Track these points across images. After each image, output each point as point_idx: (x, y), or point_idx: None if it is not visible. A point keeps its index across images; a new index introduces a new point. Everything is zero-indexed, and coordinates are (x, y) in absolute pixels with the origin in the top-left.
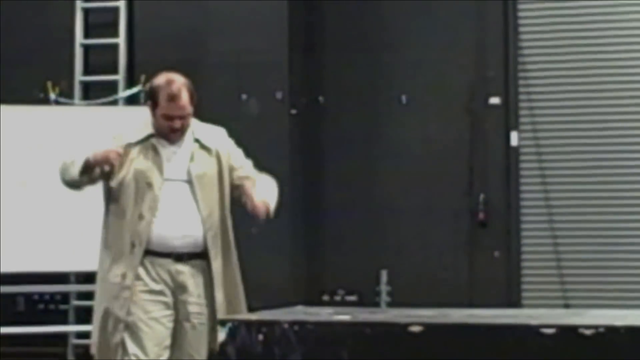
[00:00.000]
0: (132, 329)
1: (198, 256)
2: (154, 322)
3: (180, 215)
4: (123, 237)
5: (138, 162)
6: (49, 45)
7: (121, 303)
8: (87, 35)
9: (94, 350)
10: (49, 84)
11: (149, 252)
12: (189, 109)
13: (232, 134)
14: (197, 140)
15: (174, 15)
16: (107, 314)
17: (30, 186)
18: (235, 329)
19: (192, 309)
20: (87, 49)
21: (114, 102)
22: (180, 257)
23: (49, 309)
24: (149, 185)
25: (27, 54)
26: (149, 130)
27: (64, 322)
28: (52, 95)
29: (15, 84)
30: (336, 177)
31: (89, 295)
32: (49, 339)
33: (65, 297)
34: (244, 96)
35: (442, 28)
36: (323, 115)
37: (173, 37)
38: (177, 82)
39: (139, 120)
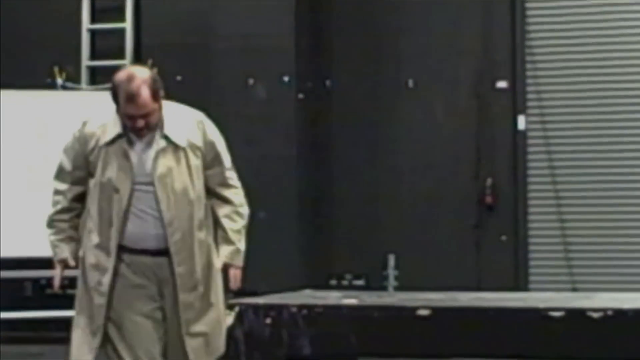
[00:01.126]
0: (118, 327)
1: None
2: (141, 317)
3: (147, 219)
4: (98, 241)
5: (108, 166)
6: (56, 31)
7: (92, 312)
8: (93, 20)
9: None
10: (56, 69)
11: (127, 250)
12: (151, 106)
13: (239, 118)
14: (165, 137)
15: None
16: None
17: (36, 171)
18: (243, 312)
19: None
20: (94, 33)
21: None
22: (157, 252)
23: (57, 293)
24: (117, 191)
25: (34, 39)
26: (118, 128)
27: (71, 306)
28: (59, 80)
29: (23, 69)
30: (343, 161)
31: None
32: (56, 323)
33: (72, 282)
34: (251, 80)
35: (450, 12)
36: (330, 99)
37: (180, 21)
38: (136, 79)
39: (111, 111)
